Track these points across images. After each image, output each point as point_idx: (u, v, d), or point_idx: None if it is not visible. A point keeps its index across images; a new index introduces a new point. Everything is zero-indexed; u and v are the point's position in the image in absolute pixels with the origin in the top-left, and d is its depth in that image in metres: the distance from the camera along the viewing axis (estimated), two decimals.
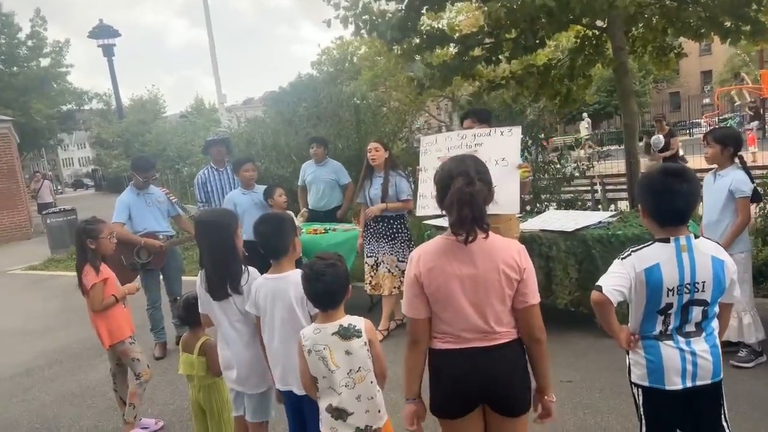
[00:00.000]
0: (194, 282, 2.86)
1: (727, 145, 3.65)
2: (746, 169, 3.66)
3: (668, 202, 2.05)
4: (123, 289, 3.59)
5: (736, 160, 3.70)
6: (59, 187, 46.03)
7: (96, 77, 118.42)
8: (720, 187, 3.67)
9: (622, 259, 2.13)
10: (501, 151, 3.78)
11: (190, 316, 3.00)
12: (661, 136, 9.69)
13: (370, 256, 5.01)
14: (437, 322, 2.03)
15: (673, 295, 2.05)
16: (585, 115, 22.55)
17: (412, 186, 5.05)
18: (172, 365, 4.70)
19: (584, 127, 23.32)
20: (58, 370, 5.10)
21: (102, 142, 31.69)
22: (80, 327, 6.08)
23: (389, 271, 4.87)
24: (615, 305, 2.10)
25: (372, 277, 5.02)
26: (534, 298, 1.99)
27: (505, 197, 3.65)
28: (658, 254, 2.06)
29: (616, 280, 2.09)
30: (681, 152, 10.21)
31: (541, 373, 2.06)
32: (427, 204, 4.21)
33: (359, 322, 2.23)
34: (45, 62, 24.71)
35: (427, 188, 4.20)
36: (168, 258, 5.09)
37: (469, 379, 1.98)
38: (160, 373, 4.61)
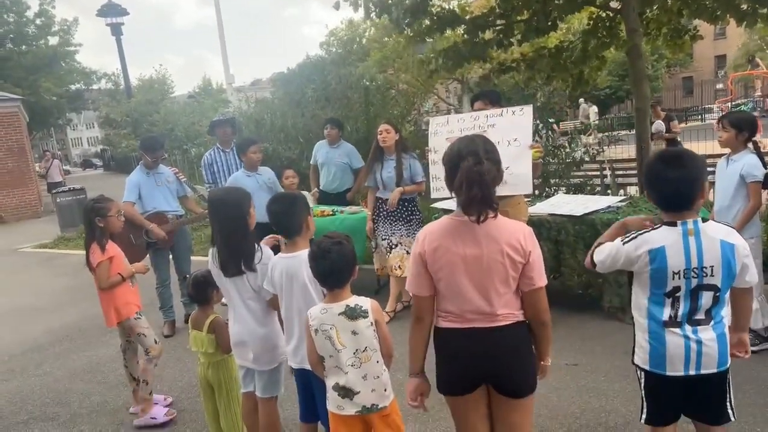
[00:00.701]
0: (203, 261, 2.89)
1: (743, 129, 3.60)
2: (760, 155, 3.61)
3: (663, 187, 2.05)
4: (130, 267, 3.61)
5: (750, 145, 3.65)
6: (68, 167, 46.19)
7: (104, 56, 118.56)
8: (732, 172, 3.64)
9: (625, 242, 2.12)
10: (513, 131, 3.76)
11: (199, 294, 3.03)
12: (660, 122, 9.62)
13: (384, 239, 4.97)
14: (441, 300, 2.05)
15: (679, 278, 2.04)
16: (582, 100, 22.23)
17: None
18: (181, 343, 4.77)
19: (594, 111, 23.11)
20: (68, 346, 5.18)
21: (110, 121, 31.74)
22: (90, 304, 6.15)
23: (408, 252, 4.81)
24: None
25: (387, 258, 4.95)
26: (541, 280, 1.98)
27: (518, 177, 3.65)
28: (664, 237, 2.05)
29: (615, 258, 2.15)
30: (678, 137, 10.10)
31: (542, 347, 2.12)
32: (441, 186, 4.18)
33: (366, 302, 2.24)
34: (53, 41, 24.70)
35: (439, 170, 4.17)
36: (177, 237, 5.13)
37: (471, 357, 2.01)
38: (168, 351, 4.66)
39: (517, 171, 3.62)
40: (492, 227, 1.95)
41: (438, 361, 2.11)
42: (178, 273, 5.28)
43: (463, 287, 1.97)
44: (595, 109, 23.41)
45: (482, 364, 2.00)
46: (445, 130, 4.15)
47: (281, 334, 2.74)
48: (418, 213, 4.97)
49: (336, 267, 2.20)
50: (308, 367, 2.47)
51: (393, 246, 4.91)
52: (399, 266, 4.86)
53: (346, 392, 2.21)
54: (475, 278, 1.96)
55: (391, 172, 4.81)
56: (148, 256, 5.01)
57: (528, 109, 3.86)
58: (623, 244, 2.13)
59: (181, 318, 5.28)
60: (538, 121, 6.82)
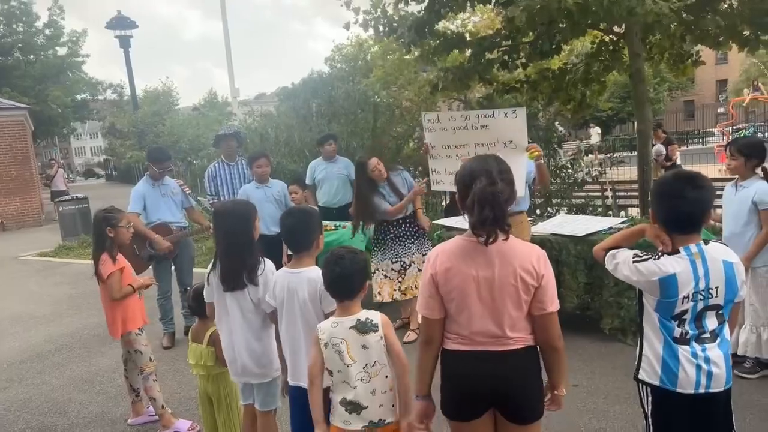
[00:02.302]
0: (204, 273, 2.88)
1: (751, 156, 3.58)
2: None
3: (680, 207, 2.04)
4: (140, 280, 3.64)
5: (759, 170, 3.63)
6: (71, 176, 46.27)
7: (109, 66, 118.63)
8: (742, 199, 3.60)
9: (635, 261, 2.09)
10: (509, 134, 3.77)
11: (199, 306, 3.04)
12: (660, 145, 9.60)
13: (396, 261, 4.81)
14: (450, 322, 2.02)
15: (687, 302, 2.05)
16: (591, 125, 22.47)
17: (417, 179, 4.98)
18: (180, 355, 4.75)
19: (596, 133, 23.31)
20: (67, 356, 5.17)
21: (115, 131, 31.93)
22: (90, 314, 6.16)
23: (420, 270, 4.72)
24: None
25: (401, 282, 4.80)
26: (552, 305, 1.95)
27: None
28: (673, 265, 2.04)
29: (620, 274, 2.15)
30: (678, 161, 10.08)
31: (556, 375, 2.07)
32: (441, 180, 4.18)
33: (376, 316, 2.24)
34: (62, 51, 24.92)
35: (439, 164, 4.18)
36: (180, 248, 5.15)
37: (479, 381, 1.97)
38: (167, 362, 4.66)
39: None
40: (505, 249, 1.92)
41: (445, 384, 2.07)
42: (179, 284, 5.29)
43: (475, 310, 1.94)
44: (598, 130, 23.63)
45: (491, 388, 1.96)
46: (438, 127, 4.19)
47: (275, 349, 2.73)
48: (423, 227, 4.87)
49: (346, 273, 2.20)
50: (303, 384, 2.46)
51: (407, 266, 4.79)
52: (415, 286, 4.71)
53: (354, 407, 2.20)
54: (487, 301, 1.93)
55: (392, 195, 4.74)
56: (150, 267, 5.02)
57: (521, 112, 3.86)
58: (633, 262, 2.11)
59: (181, 330, 5.28)
60: (541, 142, 6.87)
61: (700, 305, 2.06)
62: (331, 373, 2.24)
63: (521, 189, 3.78)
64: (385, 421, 2.23)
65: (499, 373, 1.96)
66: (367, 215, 4.74)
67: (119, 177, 34.51)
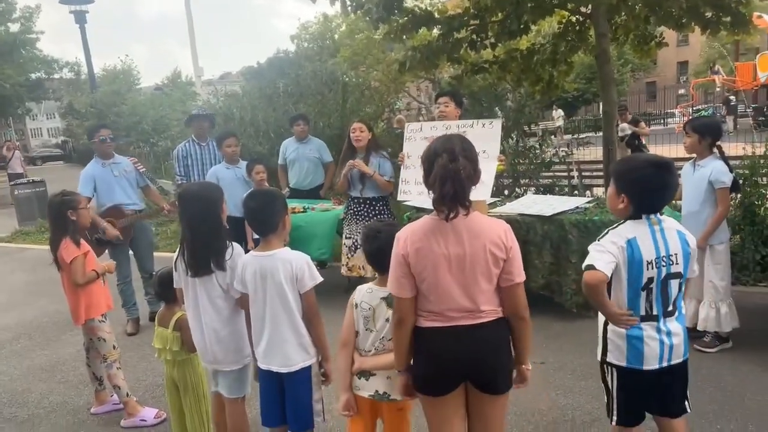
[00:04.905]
0: (167, 258, 2.80)
1: (705, 134, 3.66)
2: (725, 159, 3.67)
3: (659, 194, 2.13)
4: (103, 265, 3.53)
5: (715, 150, 3.72)
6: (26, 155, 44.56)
7: (63, 44, 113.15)
8: (699, 178, 3.69)
9: (600, 240, 2.20)
10: (483, 143, 3.90)
11: (165, 291, 2.96)
12: (626, 125, 9.76)
13: (349, 237, 4.97)
14: (423, 300, 2.04)
15: (652, 268, 2.12)
16: (554, 107, 22.71)
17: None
18: (145, 341, 4.64)
19: (560, 115, 23.63)
20: (26, 344, 5.00)
21: (73, 112, 30.75)
22: (49, 301, 5.96)
23: None
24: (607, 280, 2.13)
25: (349, 258, 5.00)
26: (519, 276, 2.02)
27: (480, 185, 3.77)
28: (633, 230, 2.14)
29: (604, 257, 2.13)
30: (644, 140, 10.29)
31: (521, 348, 2.13)
32: (409, 189, 4.26)
33: None
34: (14, 28, 23.77)
35: (410, 174, 4.25)
36: (137, 233, 4.97)
37: (453, 357, 2.01)
38: (133, 349, 4.56)
39: (482, 179, 3.77)
40: (473, 225, 1.97)
41: (418, 362, 2.10)
42: (140, 270, 5.14)
43: (448, 286, 1.98)
44: (561, 112, 23.96)
45: (465, 361, 2.01)
46: (419, 136, 4.30)
47: (246, 335, 2.68)
48: (386, 213, 4.94)
49: (384, 247, 2.20)
50: (275, 368, 2.45)
51: (358, 246, 4.87)
52: (363, 266, 4.84)
53: (363, 372, 2.29)
54: (458, 277, 1.97)
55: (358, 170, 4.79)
56: (107, 252, 4.82)
57: (497, 123, 4.12)
58: (599, 241, 2.19)
59: (145, 316, 5.15)
60: (510, 122, 6.89)
61: (664, 272, 2.13)
62: (357, 333, 2.33)
63: (487, 194, 3.99)
64: (389, 396, 2.27)
65: (473, 347, 2.00)
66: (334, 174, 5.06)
67: (78, 158, 33.37)
